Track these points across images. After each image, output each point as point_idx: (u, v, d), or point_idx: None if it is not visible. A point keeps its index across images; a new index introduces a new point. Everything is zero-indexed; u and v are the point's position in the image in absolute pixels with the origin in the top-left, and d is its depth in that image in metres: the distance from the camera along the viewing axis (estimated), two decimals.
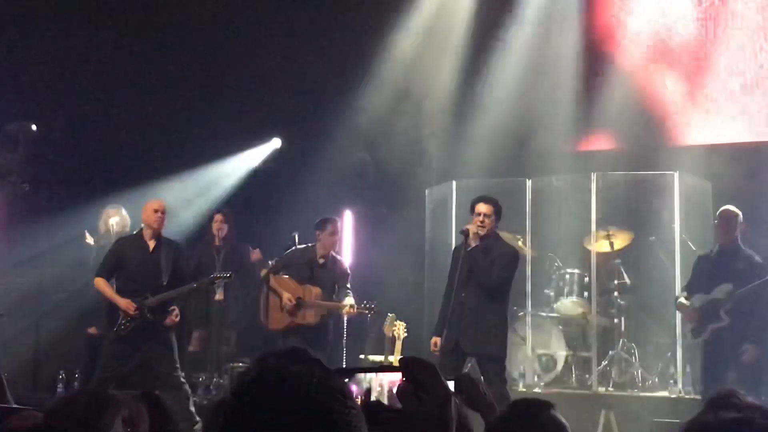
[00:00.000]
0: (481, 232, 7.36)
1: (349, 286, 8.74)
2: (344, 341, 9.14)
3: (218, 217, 9.65)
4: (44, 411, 2.62)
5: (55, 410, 2.58)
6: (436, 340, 7.47)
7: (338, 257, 8.83)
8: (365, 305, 8.40)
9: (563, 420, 2.98)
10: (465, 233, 7.39)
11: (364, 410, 1.47)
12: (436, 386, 1.63)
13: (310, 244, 8.72)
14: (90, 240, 9.55)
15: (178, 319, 8.03)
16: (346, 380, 1.55)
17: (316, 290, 8.50)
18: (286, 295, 8.47)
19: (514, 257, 7.63)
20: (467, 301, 7.33)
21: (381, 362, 7.74)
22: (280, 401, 1.37)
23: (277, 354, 1.45)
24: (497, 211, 7.42)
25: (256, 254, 9.61)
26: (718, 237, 7.99)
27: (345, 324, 8.98)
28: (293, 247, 8.73)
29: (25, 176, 9.34)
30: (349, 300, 8.53)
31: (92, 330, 9.09)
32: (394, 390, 1.69)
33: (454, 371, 6.76)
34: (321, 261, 8.64)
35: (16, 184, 9.26)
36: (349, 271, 8.88)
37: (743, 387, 6.47)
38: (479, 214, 7.37)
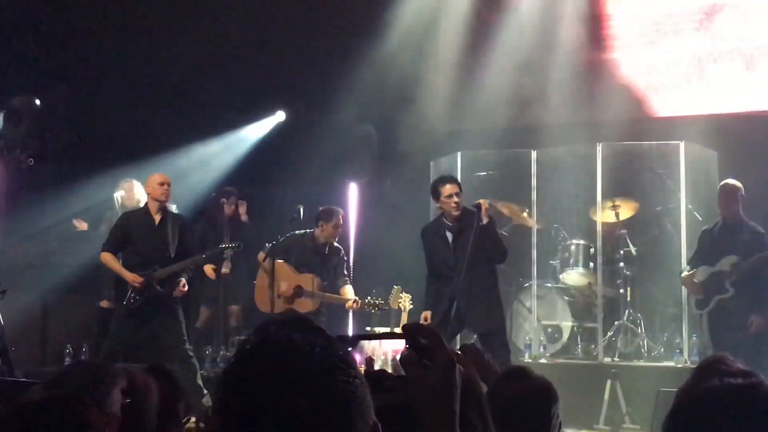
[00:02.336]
0: (456, 213, 7.40)
1: (346, 272, 8.77)
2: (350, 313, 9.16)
3: (233, 199, 9.71)
4: (42, 383, 2.63)
5: (53, 382, 2.59)
6: (427, 314, 7.56)
7: (336, 244, 8.81)
8: (370, 301, 8.34)
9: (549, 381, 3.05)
10: (478, 207, 7.39)
11: (367, 378, 1.46)
12: (440, 353, 1.62)
13: (308, 231, 8.67)
14: (81, 226, 9.57)
15: (186, 289, 8.06)
16: (350, 348, 1.54)
17: (315, 279, 8.48)
18: (284, 285, 8.49)
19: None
20: (471, 279, 7.35)
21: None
22: (281, 370, 1.36)
23: (278, 322, 1.43)
24: (461, 187, 7.57)
25: None
26: (720, 211, 8.01)
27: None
28: (291, 232, 8.69)
29: (30, 150, 9.31)
30: (349, 290, 8.56)
31: (104, 303, 9.13)
32: (398, 357, 1.69)
33: (449, 341, 6.83)
34: (320, 249, 8.63)
35: (20, 158, 9.24)
36: (346, 258, 8.89)
37: (747, 356, 6.49)
38: (451, 195, 7.42)
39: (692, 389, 1.78)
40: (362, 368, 1.57)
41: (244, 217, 9.97)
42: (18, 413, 2.31)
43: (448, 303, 7.45)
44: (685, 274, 8.18)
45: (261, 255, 8.64)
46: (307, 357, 1.38)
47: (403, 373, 1.63)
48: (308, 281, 8.48)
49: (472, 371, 1.84)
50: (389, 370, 1.77)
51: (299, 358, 1.37)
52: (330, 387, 1.37)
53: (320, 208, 8.72)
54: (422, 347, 1.63)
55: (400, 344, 1.69)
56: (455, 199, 7.42)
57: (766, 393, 1.56)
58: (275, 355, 1.38)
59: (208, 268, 9.11)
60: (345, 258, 8.86)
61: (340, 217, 8.70)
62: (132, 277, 7.88)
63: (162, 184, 8.10)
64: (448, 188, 7.47)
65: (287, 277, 8.52)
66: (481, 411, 1.81)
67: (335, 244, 8.77)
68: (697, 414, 1.61)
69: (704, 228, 8.31)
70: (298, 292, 8.49)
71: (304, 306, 8.44)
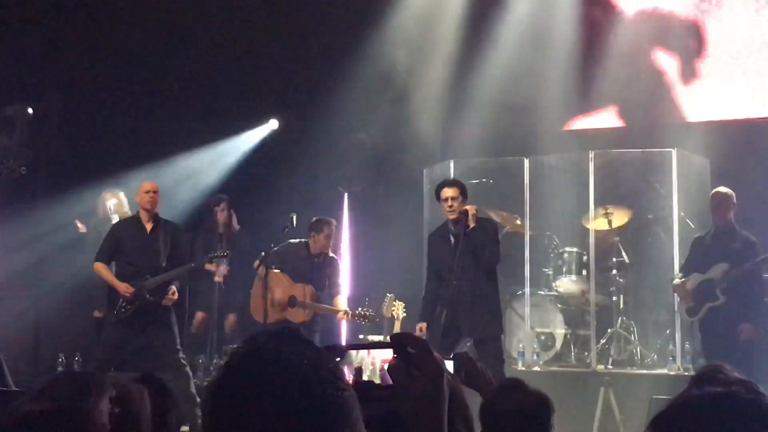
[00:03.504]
0: (452, 216, 7.44)
1: (340, 282, 8.79)
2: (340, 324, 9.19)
3: (224, 205, 9.64)
4: (29, 394, 2.61)
5: (40, 393, 2.57)
6: (423, 325, 7.49)
7: (331, 254, 8.83)
8: (360, 312, 8.39)
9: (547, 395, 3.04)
10: (464, 213, 7.39)
11: (356, 389, 1.47)
12: (428, 362, 1.62)
13: (303, 240, 8.72)
14: (82, 228, 9.55)
15: (176, 297, 8.03)
16: (338, 359, 1.54)
17: (309, 289, 8.50)
18: (278, 294, 8.50)
19: (497, 229, 7.90)
20: (464, 284, 7.34)
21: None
22: (270, 382, 1.36)
23: (267, 334, 1.44)
24: (463, 192, 7.52)
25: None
26: (713, 219, 8.05)
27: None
28: (287, 241, 8.70)
29: (22, 159, 9.30)
30: (342, 300, 8.60)
31: (97, 313, 9.11)
32: (386, 367, 1.69)
33: (448, 352, 6.80)
34: (315, 260, 8.65)
35: (13, 167, 9.23)
36: (340, 268, 8.92)
37: (738, 363, 6.50)
38: (446, 199, 7.45)
39: (680, 398, 1.78)
40: (351, 378, 1.57)
41: (236, 226, 9.91)
42: (5, 427, 2.30)
43: (447, 309, 7.41)
44: (676, 281, 8.22)
45: (256, 263, 8.66)
46: (296, 369, 1.38)
47: (391, 382, 1.64)
48: (302, 291, 8.49)
49: (455, 381, 1.85)
50: (377, 380, 1.77)
51: (288, 371, 1.38)
52: (318, 399, 1.37)
53: (313, 219, 8.74)
54: (410, 356, 1.63)
55: (389, 353, 1.69)
56: (449, 203, 7.43)
57: (744, 404, 1.56)
58: (264, 367, 1.38)
59: (219, 275, 9.16)
60: (340, 269, 8.90)
61: (332, 227, 8.73)
62: (123, 287, 7.84)
63: (148, 191, 8.05)
64: (443, 192, 7.51)
65: (281, 286, 8.53)
66: (466, 420, 1.82)
67: (330, 253, 8.80)
68: (675, 422, 1.60)
69: (696, 235, 8.35)
70: (292, 301, 8.50)
71: (297, 316, 8.46)
